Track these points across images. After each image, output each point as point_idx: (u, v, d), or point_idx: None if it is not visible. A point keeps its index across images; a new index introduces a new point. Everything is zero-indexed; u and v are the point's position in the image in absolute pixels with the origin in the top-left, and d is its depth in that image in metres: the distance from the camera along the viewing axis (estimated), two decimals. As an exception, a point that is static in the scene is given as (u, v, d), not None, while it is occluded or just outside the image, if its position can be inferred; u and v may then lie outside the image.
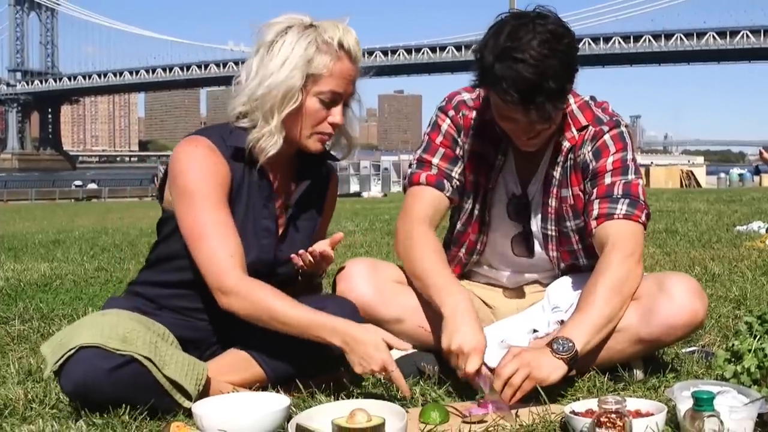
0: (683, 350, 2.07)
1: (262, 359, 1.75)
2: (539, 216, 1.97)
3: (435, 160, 1.92)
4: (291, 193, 1.83)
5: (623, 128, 1.90)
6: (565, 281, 1.97)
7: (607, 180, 1.84)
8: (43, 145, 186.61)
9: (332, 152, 1.85)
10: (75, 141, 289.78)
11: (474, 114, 1.92)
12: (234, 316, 1.66)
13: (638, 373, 1.84)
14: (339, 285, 1.91)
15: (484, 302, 2.06)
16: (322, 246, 1.79)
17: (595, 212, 1.83)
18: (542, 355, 1.64)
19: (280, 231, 1.81)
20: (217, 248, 1.65)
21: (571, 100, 1.88)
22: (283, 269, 1.82)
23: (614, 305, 1.73)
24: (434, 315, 1.81)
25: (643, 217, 1.83)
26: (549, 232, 1.97)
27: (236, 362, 1.76)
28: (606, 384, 1.76)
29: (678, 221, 6.87)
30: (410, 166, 1.98)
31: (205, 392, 1.63)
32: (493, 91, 1.72)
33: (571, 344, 1.65)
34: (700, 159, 48.42)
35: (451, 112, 1.93)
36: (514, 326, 1.89)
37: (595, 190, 1.85)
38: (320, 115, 1.72)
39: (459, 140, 1.93)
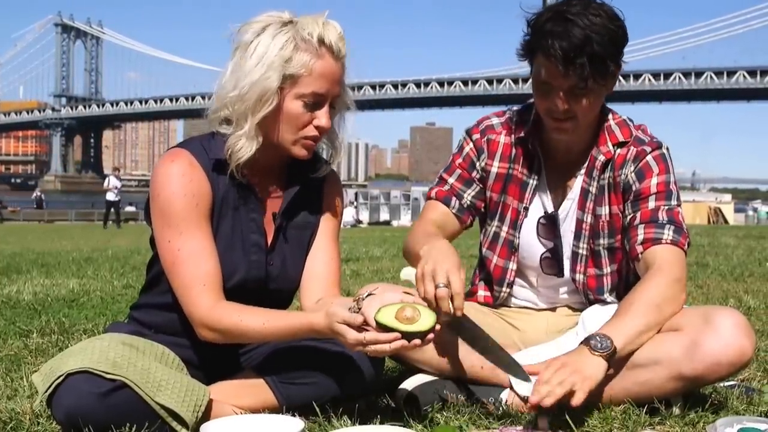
0: (722, 384, 1.96)
1: (275, 384, 1.64)
2: (572, 233, 1.91)
3: (450, 179, 1.97)
4: (280, 203, 1.70)
5: (665, 150, 1.88)
6: (601, 307, 1.89)
7: (651, 204, 1.81)
8: (85, 169, 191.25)
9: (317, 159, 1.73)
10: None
11: (503, 136, 1.92)
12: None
13: (676, 408, 1.73)
14: None
15: (512, 325, 1.99)
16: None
17: (640, 237, 1.79)
18: (581, 355, 1.59)
19: (269, 243, 1.69)
20: (190, 277, 1.56)
21: (609, 116, 1.88)
22: (275, 284, 1.70)
23: (652, 319, 1.68)
24: (451, 340, 1.75)
25: (686, 246, 1.80)
26: (580, 251, 1.91)
27: (246, 385, 1.65)
28: (642, 418, 1.66)
29: (708, 255, 6.70)
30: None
31: (206, 417, 1.53)
32: (539, 50, 1.72)
33: (609, 341, 1.60)
34: (728, 197, 47.29)
35: (476, 136, 1.96)
36: (546, 353, 1.81)
37: (638, 214, 1.82)
38: (304, 119, 1.59)
39: (478, 163, 1.95)
